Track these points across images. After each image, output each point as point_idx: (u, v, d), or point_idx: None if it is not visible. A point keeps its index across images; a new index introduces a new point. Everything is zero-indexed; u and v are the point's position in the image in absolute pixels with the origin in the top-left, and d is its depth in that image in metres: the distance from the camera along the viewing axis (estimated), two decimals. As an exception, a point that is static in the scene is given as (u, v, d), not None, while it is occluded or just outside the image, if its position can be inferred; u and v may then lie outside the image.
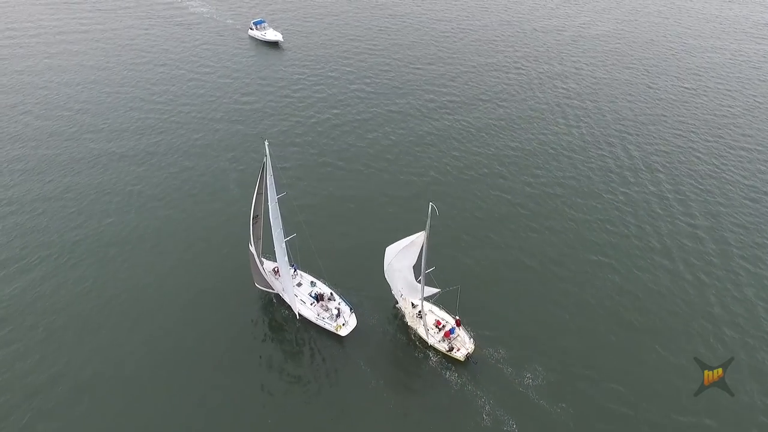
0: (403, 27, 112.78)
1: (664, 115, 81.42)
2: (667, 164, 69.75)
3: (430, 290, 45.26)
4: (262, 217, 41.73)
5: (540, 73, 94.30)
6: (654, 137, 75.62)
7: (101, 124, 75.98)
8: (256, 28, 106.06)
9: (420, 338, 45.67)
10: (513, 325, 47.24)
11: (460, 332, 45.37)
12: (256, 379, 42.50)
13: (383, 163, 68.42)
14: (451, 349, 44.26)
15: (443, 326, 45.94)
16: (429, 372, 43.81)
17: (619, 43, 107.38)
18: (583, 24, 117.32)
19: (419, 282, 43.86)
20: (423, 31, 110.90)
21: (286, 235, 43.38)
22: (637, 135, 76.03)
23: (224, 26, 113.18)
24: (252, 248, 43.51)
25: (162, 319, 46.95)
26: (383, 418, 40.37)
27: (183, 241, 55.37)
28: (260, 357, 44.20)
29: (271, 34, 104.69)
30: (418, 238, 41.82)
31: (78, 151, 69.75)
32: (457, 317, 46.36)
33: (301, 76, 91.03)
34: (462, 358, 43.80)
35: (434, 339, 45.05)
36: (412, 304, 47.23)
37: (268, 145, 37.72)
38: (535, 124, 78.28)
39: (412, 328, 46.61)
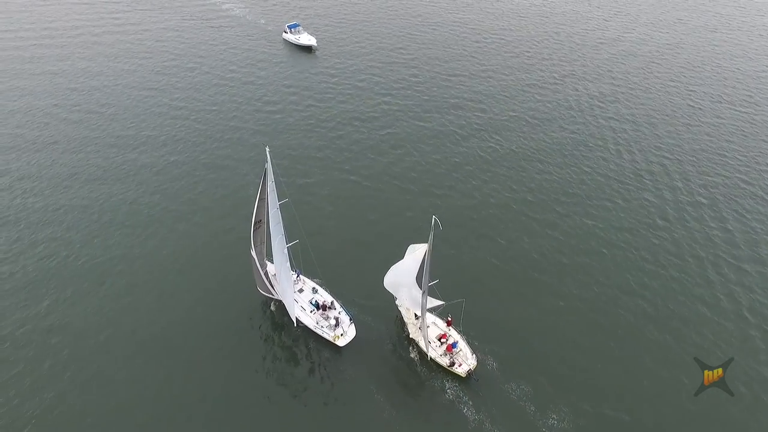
0: (438, 37, 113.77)
1: (710, 137, 79.75)
2: (710, 194, 67.84)
3: (434, 302, 46.06)
4: (264, 222, 43.31)
5: (578, 91, 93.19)
6: (698, 162, 73.83)
7: (125, 131, 78.78)
8: (291, 32, 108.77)
9: (421, 351, 46.42)
10: (537, 360, 46.46)
11: (463, 347, 45.98)
12: (249, 388, 43.89)
13: (404, 179, 68.83)
14: (452, 364, 44.81)
15: (446, 340, 46.60)
16: (431, 394, 43.95)
17: (664, 60, 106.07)
18: (626, 38, 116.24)
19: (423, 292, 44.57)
20: (458, 42, 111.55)
21: (288, 241, 44.98)
22: (679, 161, 74.13)
23: (257, 28, 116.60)
24: (254, 253, 45.17)
25: (163, 325, 49.00)
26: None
27: (193, 245, 57.81)
28: (256, 364, 45.69)
29: (305, 39, 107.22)
30: (420, 251, 42.88)
31: (99, 157, 72.66)
32: (449, 317, 47.36)
33: (330, 85, 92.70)
34: (463, 374, 44.31)
35: (435, 353, 45.76)
36: (416, 316, 48.04)
37: (269, 151, 39.43)
38: (569, 146, 77.16)
39: (413, 340, 47.48)
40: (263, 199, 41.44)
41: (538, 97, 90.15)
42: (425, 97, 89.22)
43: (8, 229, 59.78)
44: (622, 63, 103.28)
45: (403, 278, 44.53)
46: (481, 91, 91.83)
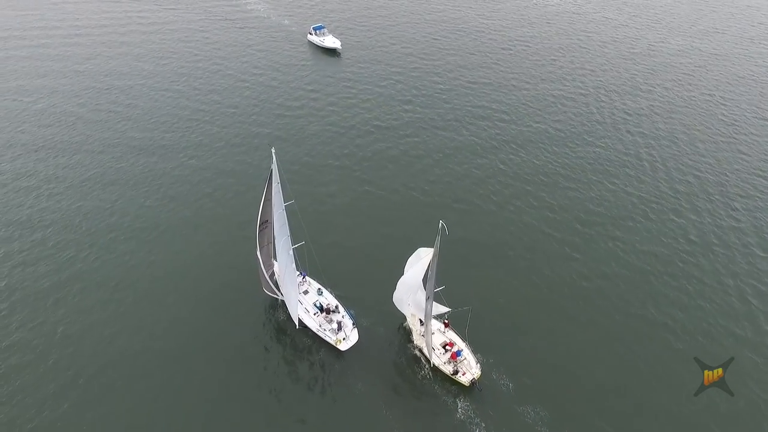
0: (463, 43, 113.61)
1: (745, 155, 77.23)
2: (746, 217, 66.01)
3: (440, 308, 46.42)
4: (270, 223, 44.25)
5: (607, 103, 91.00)
6: (731, 182, 71.64)
7: (143, 132, 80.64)
8: (315, 34, 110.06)
9: (428, 361, 46.65)
10: (552, 379, 46.06)
11: (467, 356, 46.18)
12: (248, 392, 44.82)
13: (420, 190, 68.47)
14: (455, 372, 45.03)
15: (451, 348, 46.81)
16: (439, 411, 43.81)
17: (700, 72, 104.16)
18: (660, 49, 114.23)
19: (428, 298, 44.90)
20: (482, 49, 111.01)
21: (294, 242, 45.99)
22: (712, 181, 71.67)
23: (282, 29, 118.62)
24: (259, 254, 46.14)
25: (166, 325, 50.42)
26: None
27: (202, 246, 59.36)
28: (257, 370, 46.59)
29: (330, 41, 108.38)
30: (426, 256, 43.39)
31: (116, 158, 74.72)
32: (446, 320, 48.19)
33: (351, 90, 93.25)
34: (467, 383, 44.58)
35: (439, 360, 46.04)
36: (421, 321, 48.38)
37: (275, 153, 40.50)
38: (595, 161, 75.46)
39: (417, 347, 47.90)
40: (269, 200, 42.40)
41: (564, 109, 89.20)
42: (447, 106, 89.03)
43: (22, 227, 61.94)
44: (655, 74, 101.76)
45: (409, 281, 45.15)
46: (504, 100, 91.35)
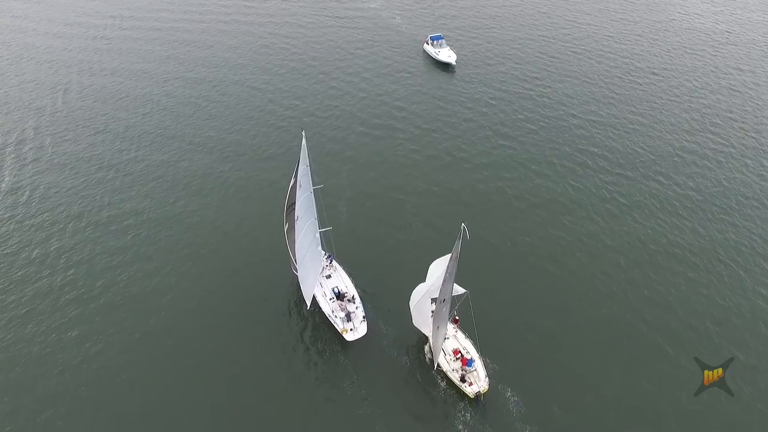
0: (584, 69, 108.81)
1: None
2: None
3: (457, 289, 49.56)
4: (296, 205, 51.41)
5: (747, 168, 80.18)
6: None
7: (214, 131, 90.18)
8: (432, 44, 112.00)
9: (439, 371, 50.97)
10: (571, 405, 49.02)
11: (478, 367, 50.14)
12: (236, 356, 52.78)
13: (485, 236, 66.34)
14: (462, 380, 49.21)
15: (461, 356, 51.18)
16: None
17: None
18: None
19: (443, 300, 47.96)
20: (606, 78, 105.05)
21: (322, 226, 53.42)
22: None
23: (393, 35, 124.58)
24: (286, 232, 53.20)
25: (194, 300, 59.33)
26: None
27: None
28: (259, 337, 54.62)
29: (445, 54, 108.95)
30: (444, 260, 48.09)
31: (185, 157, 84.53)
32: (456, 316, 52.72)
33: (443, 110, 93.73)
34: (471, 395, 48.50)
35: (448, 366, 50.45)
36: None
37: (304, 135, 47.44)
38: (729, 254, 65.49)
39: (427, 342, 53.01)
40: (296, 182, 49.34)
41: (699, 170, 79.32)
42: (549, 144, 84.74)
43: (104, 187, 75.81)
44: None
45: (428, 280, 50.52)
46: (616, 146, 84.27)
